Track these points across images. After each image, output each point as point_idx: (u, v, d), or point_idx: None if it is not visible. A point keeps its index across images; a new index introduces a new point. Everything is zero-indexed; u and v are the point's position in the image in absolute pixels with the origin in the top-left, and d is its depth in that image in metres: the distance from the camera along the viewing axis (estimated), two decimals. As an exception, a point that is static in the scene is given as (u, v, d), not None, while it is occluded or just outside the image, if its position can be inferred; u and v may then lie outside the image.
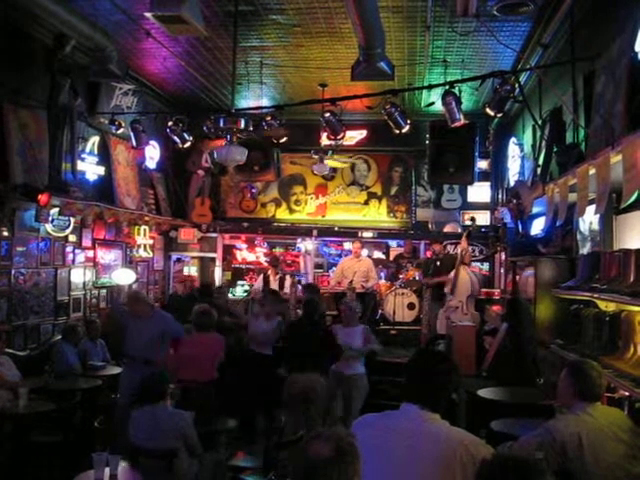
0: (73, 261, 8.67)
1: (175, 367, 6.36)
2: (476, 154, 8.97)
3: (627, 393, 4.02)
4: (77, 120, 8.28)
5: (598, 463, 3.16)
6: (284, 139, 9.21)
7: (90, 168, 8.82)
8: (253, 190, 12.66)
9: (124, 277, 9.92)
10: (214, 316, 6.90)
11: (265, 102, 10.74)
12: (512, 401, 5.61)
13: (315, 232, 12.33)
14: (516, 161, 9.36)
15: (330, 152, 11.30)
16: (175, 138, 7.99)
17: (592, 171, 4.11)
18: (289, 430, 4.14)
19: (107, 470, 4.02)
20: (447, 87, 6.48)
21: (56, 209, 7.74)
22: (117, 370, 7.39)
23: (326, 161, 11.17)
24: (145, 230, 10.73)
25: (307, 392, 4.01)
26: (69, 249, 8.57)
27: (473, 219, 10.69)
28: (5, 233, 7.20)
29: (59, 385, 6.54)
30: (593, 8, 5.95)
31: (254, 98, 10.66)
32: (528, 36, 7.52)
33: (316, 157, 11.15)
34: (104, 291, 9.55)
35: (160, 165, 11.36)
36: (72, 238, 8.59)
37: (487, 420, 4.92)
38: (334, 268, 11.97)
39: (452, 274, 9.72)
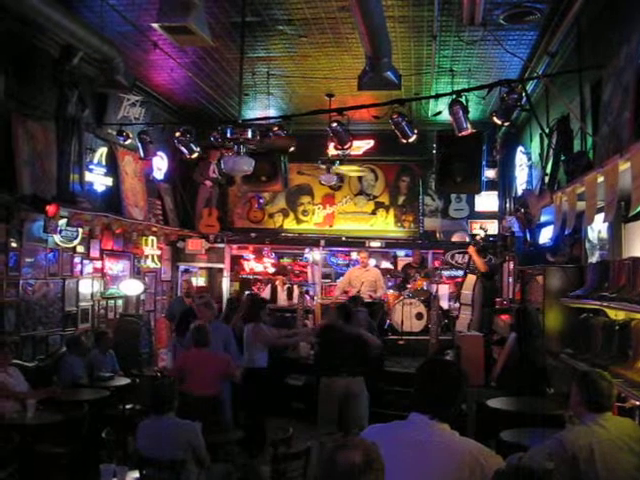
0: (81, 272, 8.70)
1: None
2: (483, 163, 8.94)
3: (638, 403, 3.99)
4: (85, 131, 8.32)
5: (610, 475, 3.11)
6: (291, 149, 9.22)
7: (98, 179, 8.85)
8: (260, 200, 12.69)
9: (132, 288, 9.95)
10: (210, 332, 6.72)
11: (272, 112, 10.76)
12: (521, 411, 5.56)
13: (323, 242, 12.31)
14: (524, 170, 9.33)
15: (337, 162, 11.30)
16: (183, 149, 8.00)
17: (600, 179, 4.09)
18: None
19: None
20: (454, 96, 6.47)
21: (64, 220, 7.76)
22: (125, 381, 7.38)
23: (338, 167, 11.15)
24: (153, 241, 10.76)
25: None
26: (77, 260, 8.59)
27: (485, 230, 10.60)
28: (13, 244, 7.23)
29: (67, 396, 6.52)
30: (600, 16, 5.93)
31: (261, 108, 10.70)
32: (535, 44, 7.52)
33: (323, 167, 11.16)
34: (112, 302, 9.56)
35: (168, 176, 11.40)
36: (80, 249, 8.62)
37: (496, 430, 4.88)
38: (341, 278, 11.94)
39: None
